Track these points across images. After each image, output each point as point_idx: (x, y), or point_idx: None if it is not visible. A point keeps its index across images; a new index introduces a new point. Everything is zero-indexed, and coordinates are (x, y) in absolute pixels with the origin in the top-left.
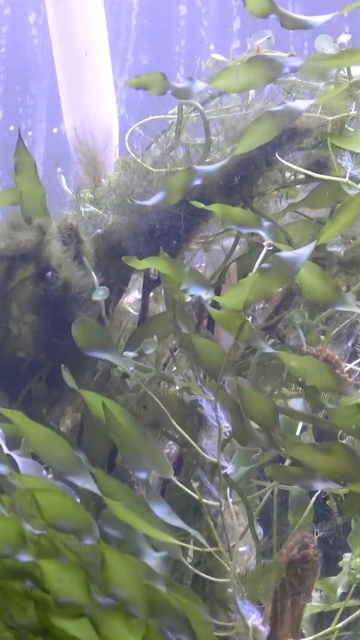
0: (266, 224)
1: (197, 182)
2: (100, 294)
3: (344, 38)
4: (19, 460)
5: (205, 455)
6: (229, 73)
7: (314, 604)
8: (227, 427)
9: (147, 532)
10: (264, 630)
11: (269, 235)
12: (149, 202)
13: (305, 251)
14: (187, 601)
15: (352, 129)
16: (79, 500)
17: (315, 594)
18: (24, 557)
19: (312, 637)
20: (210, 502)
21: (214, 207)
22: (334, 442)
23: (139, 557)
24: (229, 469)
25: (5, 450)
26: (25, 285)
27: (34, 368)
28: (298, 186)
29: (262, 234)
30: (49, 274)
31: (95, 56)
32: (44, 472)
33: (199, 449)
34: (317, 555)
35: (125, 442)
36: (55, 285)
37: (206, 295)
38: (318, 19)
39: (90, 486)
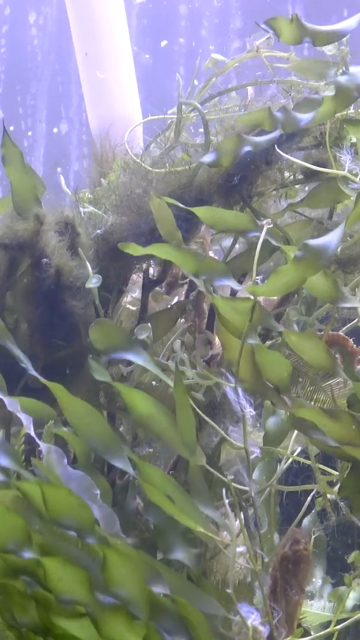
0: (261, 224)
1: (247, 148)
2: (93, 282)
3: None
4: (43, 447)
5: (233, 442)
6: (327, 102)
7: (323, 613)
8: (251, 412)
9: (179, 519)
10: (264, 630)
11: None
12: (205, 159)
13: (334, 237)
14: (186, 603)
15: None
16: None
17: (328, 604)
18: (28, 554)
19: (310, 638)
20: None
21: (199, 211)
22: (342, 409)
23: (174, 550)
24: (257, 453)
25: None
26: (21, 277)
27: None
28: (297, 186)
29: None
30: (45, 260)
31: (118, 53)
32: (65, 460)
33: (227, 437)
34: (307, 550)
35: (158, 429)
36: (48, 273)
37: (237, 286)
38: (346, 25)
39: (126, 467)
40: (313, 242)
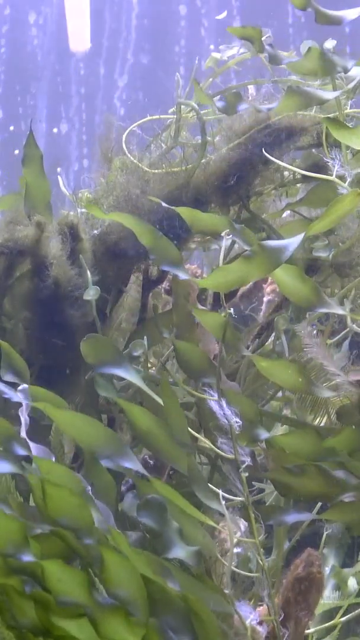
0: (238, 226)
1: (243, 106)
2: (90, 294)
3: (329, 44)
4: (33, 446)
5: (222, 453)
6: None
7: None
8: (238, 422)
9: (187, 511)
10: (262, 630)
11: (242, 239)
12: (218, 104)
13: (294, 241)
14: (195, 598)
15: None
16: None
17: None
18: (27, 557)
19: (313, 629)
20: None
21: (182, 210)
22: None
23: (170, 550)
24: (248, 462)
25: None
26: (20, 282)
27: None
28: (298, 185)
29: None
30: (45, 268)
31: None
32: (53, 457)
33: (216, 449)
34: (321, 573)
35: (156, 444)
36: (46, 283)
37: (182, 275)
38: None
39: (135, 466)
40: (269, 243)
